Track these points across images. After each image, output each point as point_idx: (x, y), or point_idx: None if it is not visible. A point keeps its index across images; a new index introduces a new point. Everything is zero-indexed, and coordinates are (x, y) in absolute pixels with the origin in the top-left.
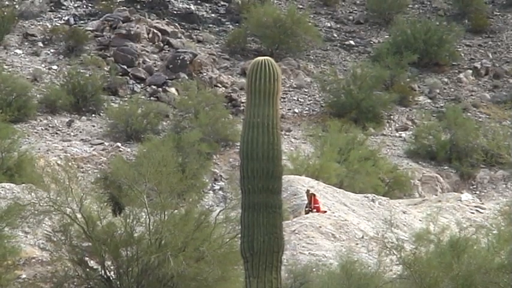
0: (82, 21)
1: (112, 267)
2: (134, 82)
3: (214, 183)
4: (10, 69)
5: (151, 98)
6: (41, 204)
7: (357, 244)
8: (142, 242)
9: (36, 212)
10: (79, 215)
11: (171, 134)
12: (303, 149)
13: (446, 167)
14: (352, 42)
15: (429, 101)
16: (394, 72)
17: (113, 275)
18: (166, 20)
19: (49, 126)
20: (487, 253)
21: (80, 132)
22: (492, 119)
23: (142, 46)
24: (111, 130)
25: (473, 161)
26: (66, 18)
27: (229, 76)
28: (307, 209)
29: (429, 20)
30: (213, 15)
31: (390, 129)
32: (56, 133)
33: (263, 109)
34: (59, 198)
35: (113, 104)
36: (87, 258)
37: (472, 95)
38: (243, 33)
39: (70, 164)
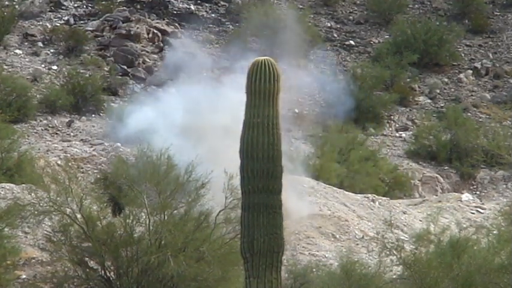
0: (82, 22)
1: (112, 268)
2: (134, 82)
3: None
4: (10, 70)
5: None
6: (41, 205)
7: (357, 244)
8: (142, 242)
9: (36, 212)
10: (79, 215)
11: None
12: (303, 149)
13: (446, 167)
14: (352, 42)
15: (429, 101)
16: (394, 72)
17: (113, 275)
18: (166, 20)
19: (49, 127)
20: (487, 253)
21: (80, 132)
22: (492, 120)
23: (142, 46)
24: (111, 130)
25: (474, 161)
26: (66, 18)
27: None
28: None
29: (429, 20)
30: (213, 15)
31: (390, 129)
32: (56, 133)
33: (263, 109)
34: (59, 198)
35: (112, 104)
36: (87, 259)
37: (472, 95)
38: (243, 34)
39: (70, 164)
